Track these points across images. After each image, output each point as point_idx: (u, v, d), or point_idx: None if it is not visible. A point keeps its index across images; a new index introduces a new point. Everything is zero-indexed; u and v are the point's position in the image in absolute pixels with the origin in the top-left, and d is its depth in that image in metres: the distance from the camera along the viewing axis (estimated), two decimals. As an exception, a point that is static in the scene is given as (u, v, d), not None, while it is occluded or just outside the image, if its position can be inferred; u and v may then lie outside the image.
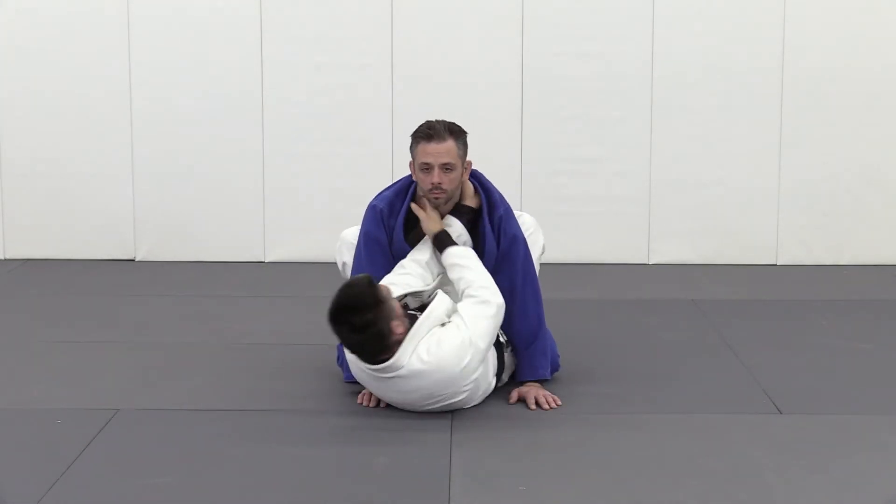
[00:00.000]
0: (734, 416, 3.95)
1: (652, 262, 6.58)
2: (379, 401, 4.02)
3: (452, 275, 4.04)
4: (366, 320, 3.72)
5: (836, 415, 3.99)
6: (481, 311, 3.90)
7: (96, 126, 6.49)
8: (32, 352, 4.72)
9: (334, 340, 4.32)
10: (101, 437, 3.70)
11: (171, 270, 6.34)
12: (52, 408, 3.99)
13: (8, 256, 6.62)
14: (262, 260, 6.58)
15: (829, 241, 6.56)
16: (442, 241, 4.07)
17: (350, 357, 3.93)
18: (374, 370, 3.83)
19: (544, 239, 4.45)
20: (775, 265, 6.56)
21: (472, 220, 4.16)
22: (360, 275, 3.90)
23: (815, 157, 6.50)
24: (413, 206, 4.15)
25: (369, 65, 6.43)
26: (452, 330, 3.84)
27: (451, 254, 4.05)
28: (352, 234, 4.32)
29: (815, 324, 5.25)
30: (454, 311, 3.94)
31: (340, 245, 4.39)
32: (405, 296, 4.00)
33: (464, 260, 4.04)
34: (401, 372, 3.80)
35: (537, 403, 4.01)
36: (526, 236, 4.21)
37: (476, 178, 4.21)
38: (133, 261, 6.58)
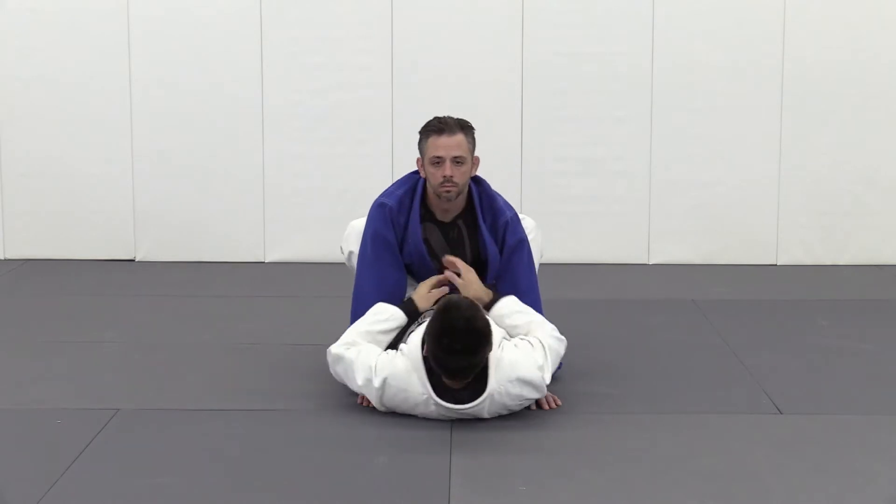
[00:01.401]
0: (734, 416, 3.94)
1: (652, 262, 6.57)
2: (379, 401, 4.02)
3: (514, 321, 4.01)
4: (487, 346, 3.68)
5: (836, 415, 3.99)
6: (558, 346, 3.96)
7: (96, 126, 6.49)
8: (32, 352, 4.72)
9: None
10: (101, 437, 3.69)
11: (171, 270, 6.34)
12: (52, 408, 3.99)
13: (8, 256, 6.62)
14: (262, 260, 6.58)
15: (829, 241, 6.56)
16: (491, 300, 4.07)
17: (416, 393, 3.76)
18: (459, 409, 3.74)
19: (543, 239, 4.46)
20: (775, 265, 6.56)
21: (471, 228, 4.16)
22: (462, 297, 3.85)
23: (815, 157, 6.50)
24: (447, 266, 4.11)
25: (369, 65, 6.43)
26: (528, 356, 3.81)
27: (508, 303, 4.05)
28: (361, 224, 4.29)
29: (815, 324, 5.25)
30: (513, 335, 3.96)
31: (349, 233, 4.36)
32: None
33: (521, 306, 4.06)
34: (484, 406, 3.76)
35: (538, 403, 4.00)
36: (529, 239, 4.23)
37: (479, 184, 4.20)
38: (133, 261, 6.57)
